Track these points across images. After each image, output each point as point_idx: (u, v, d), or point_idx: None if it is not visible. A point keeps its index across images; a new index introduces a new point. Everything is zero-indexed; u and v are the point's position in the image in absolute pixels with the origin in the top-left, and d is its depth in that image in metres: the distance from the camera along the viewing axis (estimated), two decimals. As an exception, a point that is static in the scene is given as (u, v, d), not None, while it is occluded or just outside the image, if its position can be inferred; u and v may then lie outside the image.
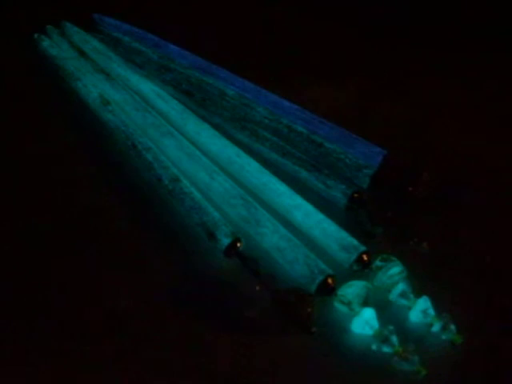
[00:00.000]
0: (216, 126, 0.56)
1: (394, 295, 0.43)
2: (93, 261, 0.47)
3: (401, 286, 0.43)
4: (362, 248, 0.45)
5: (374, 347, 0.41)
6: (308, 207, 0.48)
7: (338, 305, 0.43)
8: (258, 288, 0.44)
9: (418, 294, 0.43)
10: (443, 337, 0.42)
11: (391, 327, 0.41)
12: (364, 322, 0.42)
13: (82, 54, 0.63)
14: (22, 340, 0.42)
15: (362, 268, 0.45)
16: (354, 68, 0.65)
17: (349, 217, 0.49)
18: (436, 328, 0.42)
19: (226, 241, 0.46)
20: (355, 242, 0.46)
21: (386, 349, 0.41)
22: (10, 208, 0.51)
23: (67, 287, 0.46)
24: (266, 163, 0.52)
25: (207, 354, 0.42)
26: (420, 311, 0.42)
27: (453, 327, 0.41)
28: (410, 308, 0.43)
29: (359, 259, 0.45)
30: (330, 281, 0.43)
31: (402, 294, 0.43)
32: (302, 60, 0.66)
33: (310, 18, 0.72)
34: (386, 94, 0.62)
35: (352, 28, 0.70)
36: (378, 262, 0.45)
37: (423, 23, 0.72)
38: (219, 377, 0.41)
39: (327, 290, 0.43)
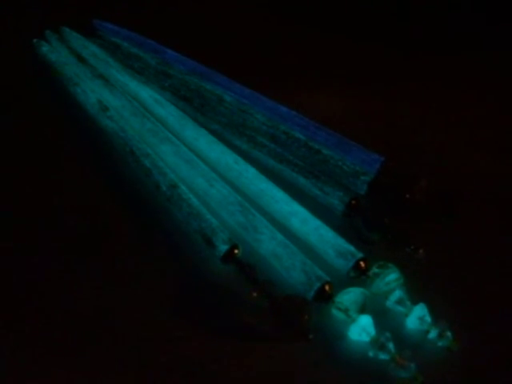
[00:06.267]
0: (214, 132, 0.56)
1: (390, 302, 0.44)
2: (90, 265, 0.47)
3: (398, 293, 0.43)
4: (359, 255, 0.45)
5: (370, 354, 0.41)
6: (305, 214, 0.48)
7: (334, 312, 0.43)
8: (255, 294, 0.44)
9: (415, 300, 0.43)
10: (440, 344, 0.42)
11: (388, 334, 0.41)
12: (361, 329, 0.42)
13: (80, 59, 0.63)
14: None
15: (359, 275, 0.45)
16: (352, 75, 0.66)
17: (346, 223, 0.49)
18: (432, 335, 0.42)
19: (223, 247, 0.46)
20: (352, 248, 0.46)
21: (382, 356, 0.41)
22: (5, 211, 0.52)
23: (65, 292, 0.46)
24: (264, 170, 0.52)
25: (204, 359, 0.42)
26: (417, 318, 0.42)
27: (449, 334, 0.42)
28: (406, 315, 0.43)
29: (356, 266, 0.45)
30: (327, 288, 0.44)
31: (399, 301, 0.43)
32: (301, 66, 0.67)
33: (308, 25, 0.72)
34: (385, 100, 0.63)
35: (349, 34, 0.71)
36: (375, 269, 0.45)
37: (421, 27, 0.72)
38: (215, 382, 0.41)
39: (324, 296, 0.43)
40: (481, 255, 0.48)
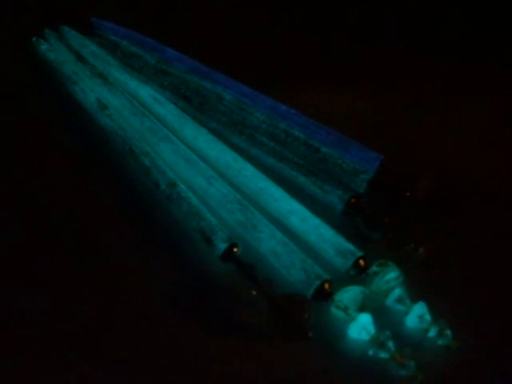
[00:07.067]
0: (213, 131, 0.56)
1: (390, 300, 0.44)
2: (90, 266, 0.47)
3: (397, 292, 0.43)
4: (359, 253, 0.45)
5: (370, 352, 0.41)
6: (305, 212, 0.48)
7: (334, 310, 0.43)
8: (254, 293, 0.44)
9: (415, 299, 0.43)
10: (439, 342, 0.42)
11: (387, 332, 0.41)
12: (360, 327, 0.42)
13: (79, 57, 0.63)
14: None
15: (359, 273, 0.45)
16: (352, 73, 0.66)
17: (346, 222, 0.49)
18: (432, 333, 0.42)
19: (222, 246, 0.46)
20: (352, 247, 0.46)
21: (382, 354, 0.41)
22: (4, 212, 0.51)
23: (65, 292, 0.46)
24: (263, 168, 0.52)
25: (203, 358, 0.42)
26: (416, 316, 0.43)
27: (449, 333, 0.42)
28: (406, 313, 0.43)
29: (356, 264, 0.45)
30: (326, 286, 0.44)
31: (399, 300, 0.43)
32: (300, 64, 0.67)
33: (309, 23, 0.72)
34: (384, 99, 0.63)
35: (351, 33, 0.71)
36: (374, 267, 0.45)
37: (424, 28, 0.72)
38: (216, 381, 0.41)
39: (324, 295, 0.43)
40: (480, 253, 0.48)
